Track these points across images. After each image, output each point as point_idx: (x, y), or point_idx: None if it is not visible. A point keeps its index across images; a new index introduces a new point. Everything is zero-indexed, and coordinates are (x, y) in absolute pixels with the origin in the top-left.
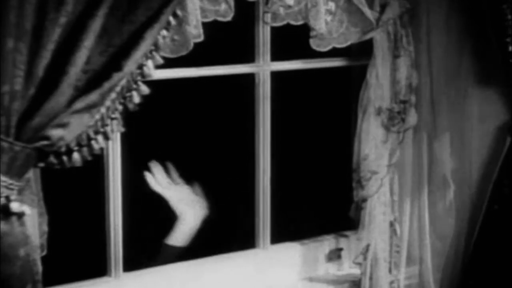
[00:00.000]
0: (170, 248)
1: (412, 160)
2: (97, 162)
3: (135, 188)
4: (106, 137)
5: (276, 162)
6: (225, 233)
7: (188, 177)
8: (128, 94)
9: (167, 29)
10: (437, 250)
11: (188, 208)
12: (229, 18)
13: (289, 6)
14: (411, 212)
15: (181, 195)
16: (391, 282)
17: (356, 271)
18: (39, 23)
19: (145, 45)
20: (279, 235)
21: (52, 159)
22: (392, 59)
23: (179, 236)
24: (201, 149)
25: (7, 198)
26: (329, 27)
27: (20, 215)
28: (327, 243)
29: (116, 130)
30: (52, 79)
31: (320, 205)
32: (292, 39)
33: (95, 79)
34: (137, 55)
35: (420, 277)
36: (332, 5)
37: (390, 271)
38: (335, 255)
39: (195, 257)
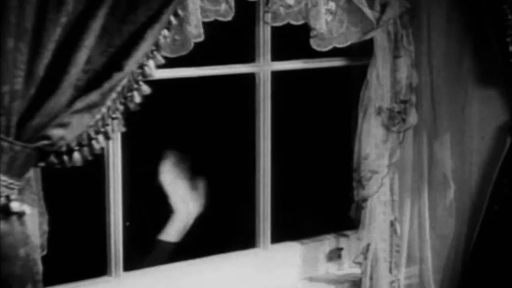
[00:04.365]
0: (162, 244)
1: (412, 160)
2: (98, 162)
3: (136, 188)
4: (107, 137)
5: (277, 161)
6: (226, 232)
7: (189, 176)
8: (129, 94)
9: (168, 29)
10: (437, 250)
11: (182, 203)
12: (229, 18)
13: (290, 6)
14: (411, 212)
15: (179, 191)
16: (391, 282)
17: (356, 270)
18: (40, 23)
19: (145, 45)
20: (280, 235)
21: (52, 158)
22: (393, 59)
23: (172, 231)
24: (202, 149)
25: (7, 198)
26: (329, 27)
27: (20, 215)
28: (328, 242)
29: (117, 130)
30: (53, 79)
31: (321, 204)
32: (293, 39)
33: (95, 79)
34: (138, 55)
35: (420, 277)
36: (332, 5)
37: (390, 270)
38: (335, 254)
39: (195, 257)
